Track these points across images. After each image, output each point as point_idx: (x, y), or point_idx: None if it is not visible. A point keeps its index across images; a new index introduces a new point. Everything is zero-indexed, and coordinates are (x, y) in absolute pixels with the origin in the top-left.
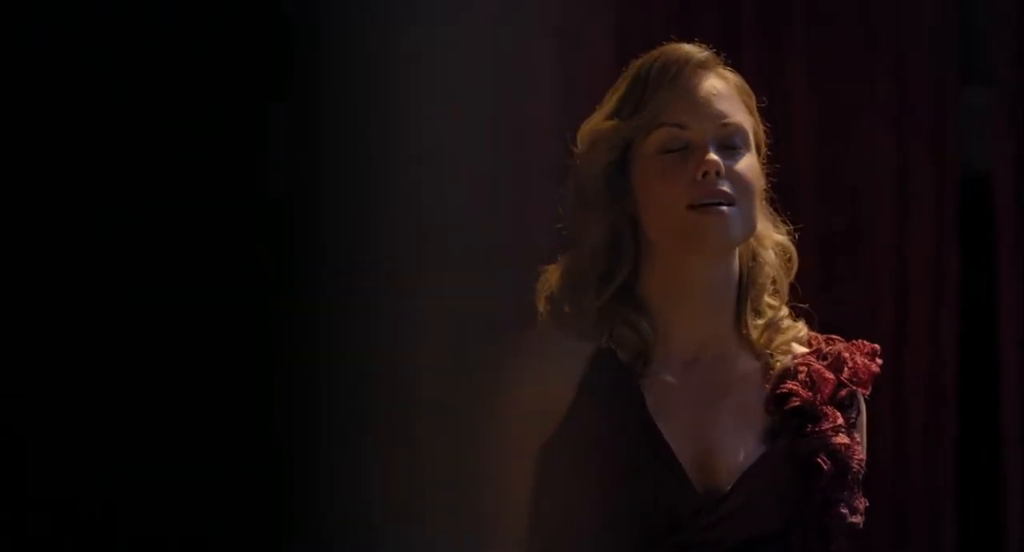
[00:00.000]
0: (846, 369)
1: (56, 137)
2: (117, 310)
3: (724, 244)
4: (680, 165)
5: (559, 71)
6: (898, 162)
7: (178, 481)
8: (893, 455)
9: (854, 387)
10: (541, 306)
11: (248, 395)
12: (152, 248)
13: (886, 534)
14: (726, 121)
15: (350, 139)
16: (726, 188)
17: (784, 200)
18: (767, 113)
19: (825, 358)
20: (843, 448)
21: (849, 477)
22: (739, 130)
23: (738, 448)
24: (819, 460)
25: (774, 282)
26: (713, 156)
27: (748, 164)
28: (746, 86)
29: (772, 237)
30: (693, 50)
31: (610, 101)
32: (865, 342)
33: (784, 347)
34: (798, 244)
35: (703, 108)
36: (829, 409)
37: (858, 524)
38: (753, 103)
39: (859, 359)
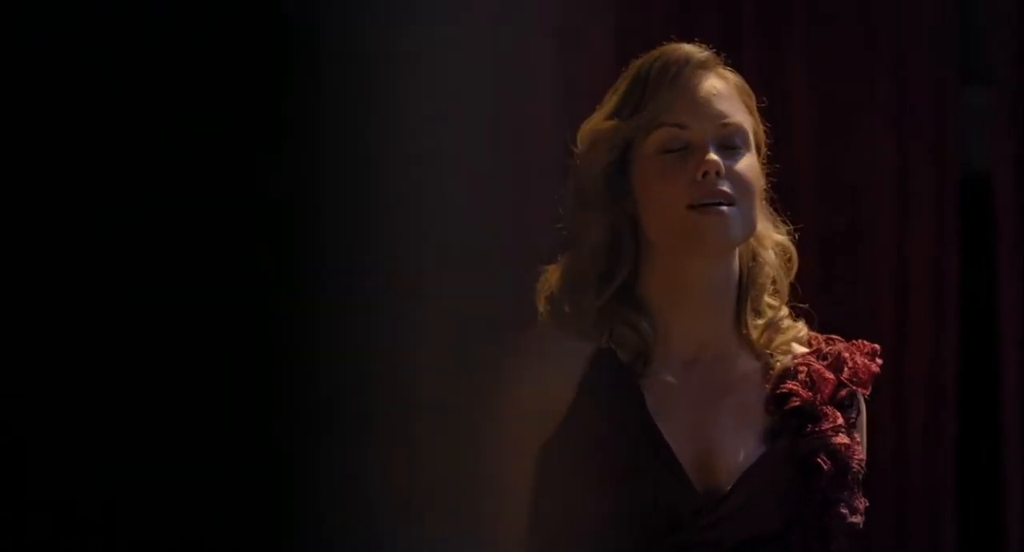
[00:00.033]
0: (846, 369)
1: (56, 137)
2: (117, 310)
3: (724, 244)
4: (680, 165)
5: (559, 71)
6: (898, 162)
7: (178, 481)
8: (893, 455)
9: (854, 387)
10: (541, 306)
11: (247, 395)
12: (152, 248)
13: (886, 534)
14: (726, 121)
15: (350, 139)
16: (726, 188)
17: (784, 200)
18: (767, 113)
19: (825, 358)
20: (843, 448)
21: (849, 477)
22: (739, 130)
23: (738, 448)
24: (819, 460)
25: (774, 282)
26: (713, 156)
27: (748, 164)
28: (746, 86)
29: (772, 237)
30: (693, 50)
31: (610, 101)
32: (865, 342)
33: (784, 347)
34: (798, 244)
35: (703, 108)
36: (829, 409)
37: (858, 524)
38: (753, 103)
39: (859, 359)
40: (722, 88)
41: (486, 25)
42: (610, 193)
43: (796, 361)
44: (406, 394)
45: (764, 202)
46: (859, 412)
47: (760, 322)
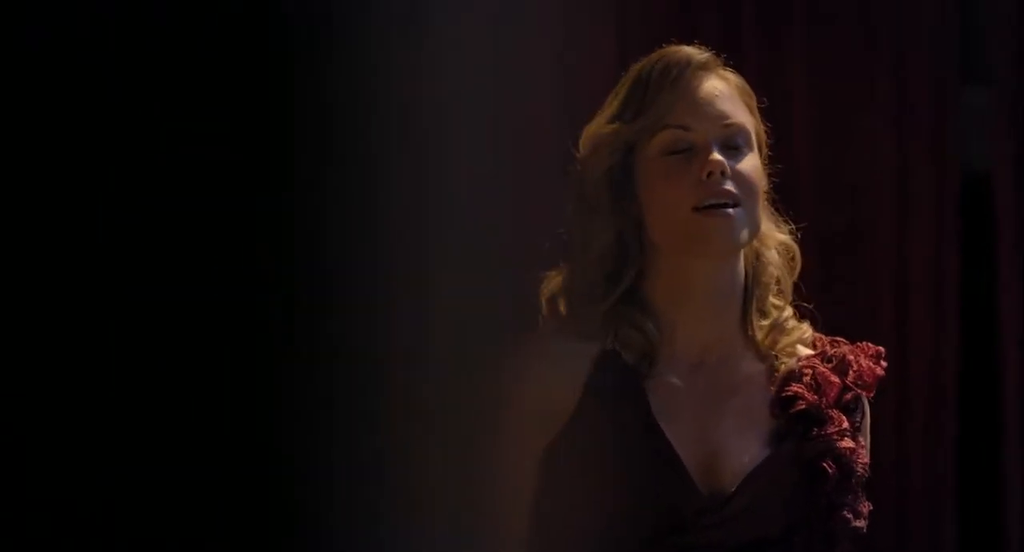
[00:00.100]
0: (851, 372)
1: (56, 137)
2: (117, 310)
3: (730, 246)
4: (684, 167)
5: (560, 71)
6: (898, 162)
7: (179, 481)
8: (894, 455)
9: (859, 391)
10: (545, 309)
11: (249, 395)
12: (152, 248)
13: (886, 534)
14: (728, 122)
15: (351, 140)
16: (731, 188)
17: (784, 200)
18: (767, 113)
19: (830, 361)
20: (848, 452)
21: (853, 481)
22: (742, 130)
23: (742, 450)
24: (824, 465)
25: (778, 282)
26: (717, 156)
27: (751, 164)
28: (747, 86)
29: (775, 237)
30: (694, 52)
31: (611, 105)
32: (870, 345)
33: (789, 349)
34: (799, 244)
35: (705, 109)
36: (834, 413)
37: (862, 528)
38: (754, 103)
39: (864, 362)
40: (723, 89)
41: (487, 26)
42: (614, 197)
43: (801, 363)
44: (410, 395)
45: (766, 202)
46: (863, 415)
47: (765, 323)
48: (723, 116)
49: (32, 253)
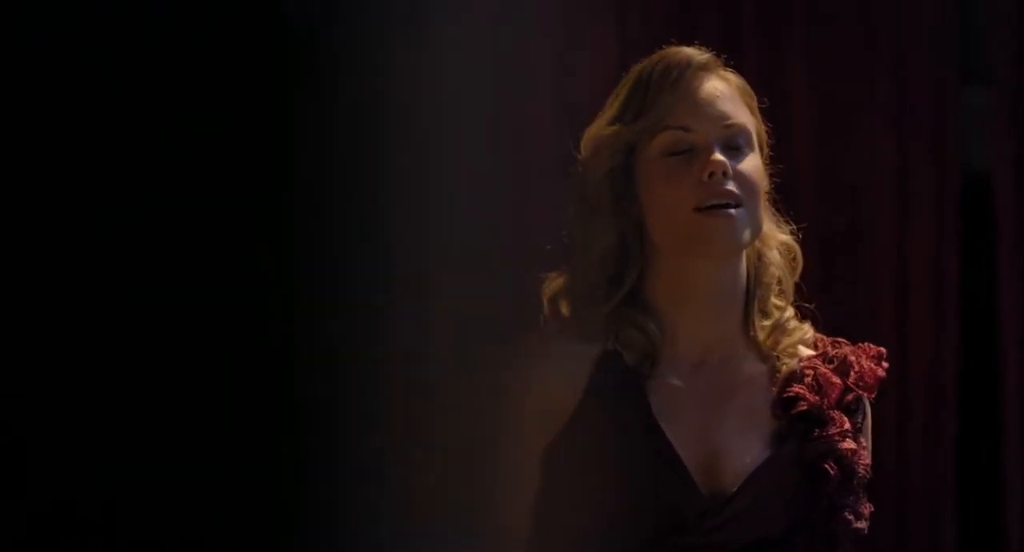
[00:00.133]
0: (852, 373)
1: (56, 137)
2: (118, 310)
3: (732, 247)
4: (685, 168)
5: (560, 72)
6: (898, 162)
7: (181, 481)
8: (894, 455)
9: (860, 392)
10: (547, 310)
11: (249, 396)
12: (153, 248)
13: (886, 534)
14: (729, 122)
15: (350, 140)
16: (732, 188)
17: (784, 200)
18: (768, 114)
19: (831, 361)
20: (850, 453)
21: (855, 482)
22: (743, 131)
23: (744, 451)
24: (826, 466)
25: (780, 282)
26: (719, 156)
27: (753, 164)
28: (747, 87)
29: (776, 237)
30: (694, 53)
31: (612, 106)
32: (871, 345)
33: (791, 350)
34: (800, 244)
35: (706, 110)
36: (836, 414)
37: (863, 529)
38: (755, 104)
39: (865, 363)
40: (724, 89)
41: (487, 26)
42: (615, 198)
43: (802, 364)
44: (410, 395)
45: (767, 202)
46: (865, 416)
47: (767, 323)
48: (724, 117)
49: (32, 253)
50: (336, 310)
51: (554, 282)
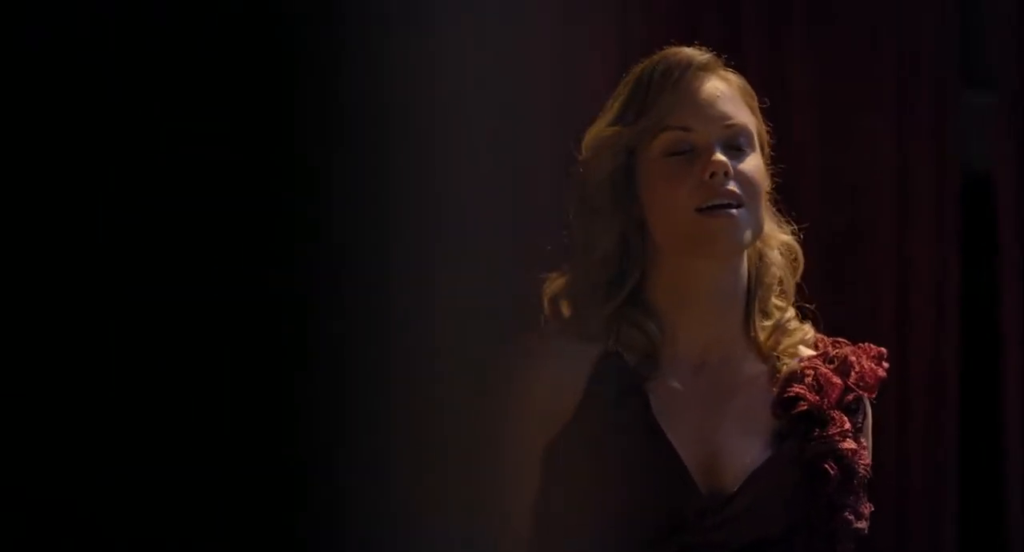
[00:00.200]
0: (853, 374)
1: (56, 137)
2: (119, 311)
3: (734, 247)
4: (686, 168)
5: (561, 72)
6: (899, 162)
7: (185, 482)
8: (894, 455)
9: (861, 392)
10: (548, 310)
11: (251, 397)
12: (153, 248)
13: (886, 534)
14: (730, 122)
15: (351, 140)
16: (734, 188)
17: (785, 200)
18: (768, 114)
19: (832, 362)
20: (850, 453)
21: (855, 482)
22: (744, 131)
23: (744, 451)
24: (826, 466)
25: (781, 282)
26: (720, 157)
27: (754, 165)
28: (748, 87)
29: (777, 237)
30: (694, 53)
31: (613, 107)
32: (872, 346)
33: (791, 350)
34: (801, 244)
35: (707, 110)
36: (836, 414)
37: (863, 529)
38: (756, 104)
39: (866, 363)
40: (725, 90)
41: (487, 26)
42: (616, 199)
43: (803, 364)
44: (412, 396)
45: (769, 202)
46: (865, 416)
47: (768, 324)
48: (725, 117)
49: (32, 253)
50: (336, 310)
51: (555, 282)
